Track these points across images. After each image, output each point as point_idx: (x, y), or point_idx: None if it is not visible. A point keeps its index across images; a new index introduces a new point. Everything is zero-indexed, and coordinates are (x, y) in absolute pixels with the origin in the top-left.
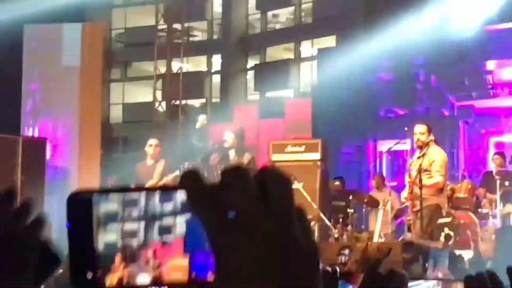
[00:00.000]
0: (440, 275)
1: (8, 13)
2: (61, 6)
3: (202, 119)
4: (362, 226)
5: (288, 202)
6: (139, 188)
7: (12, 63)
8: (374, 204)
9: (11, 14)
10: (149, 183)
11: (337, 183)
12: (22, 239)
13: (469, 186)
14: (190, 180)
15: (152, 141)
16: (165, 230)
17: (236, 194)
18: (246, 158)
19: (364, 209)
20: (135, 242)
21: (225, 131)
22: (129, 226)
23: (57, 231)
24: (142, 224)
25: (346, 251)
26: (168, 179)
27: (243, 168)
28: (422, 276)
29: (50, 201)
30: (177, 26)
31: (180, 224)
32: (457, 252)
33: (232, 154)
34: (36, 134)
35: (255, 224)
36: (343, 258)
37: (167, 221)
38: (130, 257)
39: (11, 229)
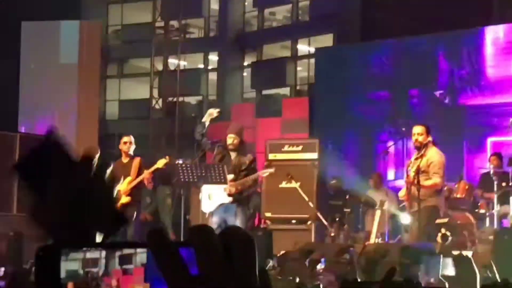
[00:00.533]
0: (432, 280)
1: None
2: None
3: (212, 111)
4: (359, 226)
5: (250, 261)
6: (108, 245)
7: (10, 60)
8: (371, 204)
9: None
10: (126, 180)
11: (334, 181)
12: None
13: (467, 187)
14: (155, 238)
15: (126, 138)
16: (126, 259)
17: (200, 252)
18: (247, 159)
19: (360, 209)
20: (96, 271)
21: (227, 132)
22: (90, 254)
23: None
24: (103, 253)
25: (351, 249)
26: (147, 171)
27: (208, 227)
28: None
29: None
30: (174, 23)
31: (140, 253)
32: (454, 252)
33: (233, 155)
34: (33, 131)
35: (217, 282)
36: (348, 256)
37: (128, 250)
38: (93, 285)
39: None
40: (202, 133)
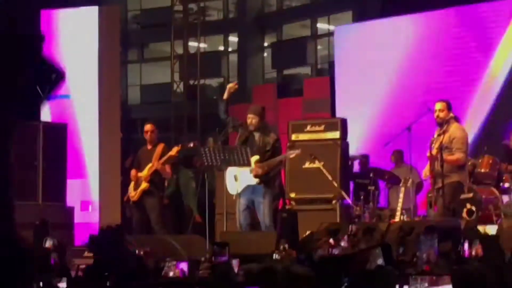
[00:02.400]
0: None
1: None
2: None
3: (230, 85)
4: (384, 204)
5: None
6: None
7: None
8: (395, 181)
9: None
10: (147, 167)
11: (359, 158)
12: None
13: (490, 161)
14: (220, 277)
15: (146, 127)
16: None
17: None
18: (271, 139)
19: (385, 186)
20: None
21: (247, 113)
22: None
23: (78, 215)
24: None
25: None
26: (158, 161)
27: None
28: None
29: (72, 185)
30: (192, 6)
31: None
32: (480, 227)
33: (257, 135)
34: (56, 120)
35: None
36: (378, 235)
37: None
38: None
39: None
40: (226, 111)
